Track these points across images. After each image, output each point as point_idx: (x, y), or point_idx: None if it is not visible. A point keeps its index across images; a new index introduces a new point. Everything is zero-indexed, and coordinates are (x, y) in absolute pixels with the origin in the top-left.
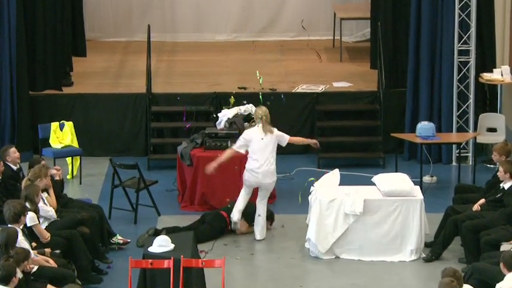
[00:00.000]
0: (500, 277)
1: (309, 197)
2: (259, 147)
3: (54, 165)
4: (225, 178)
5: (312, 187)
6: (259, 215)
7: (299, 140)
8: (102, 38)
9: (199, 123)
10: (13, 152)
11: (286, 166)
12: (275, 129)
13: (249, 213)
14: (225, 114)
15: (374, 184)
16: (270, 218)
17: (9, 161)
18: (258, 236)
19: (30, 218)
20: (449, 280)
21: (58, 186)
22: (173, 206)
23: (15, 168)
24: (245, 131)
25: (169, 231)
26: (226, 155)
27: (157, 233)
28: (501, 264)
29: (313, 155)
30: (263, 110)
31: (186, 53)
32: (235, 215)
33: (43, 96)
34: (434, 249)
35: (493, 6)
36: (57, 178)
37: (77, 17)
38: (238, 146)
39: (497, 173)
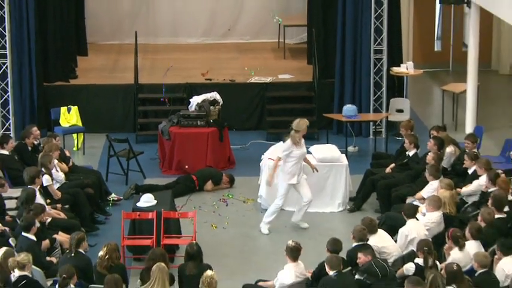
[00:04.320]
0: (405, 223)
1: (260, 164)
2: None
3: (64, 141)
4: (195, 149)
5: (262, 156)
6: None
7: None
8: (100, 42)
9: (175, 106)
10: (35, 131)
11: (243, 139)
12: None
13: (214, 176)
14: (195, 100)
15: (310, 153)
16: (230, 181)
17: (32, 137)
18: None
19: (46, 179)
20: (361, 228)
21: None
22: (156, 171)
23: (36, 142)
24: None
25: (146, 188)
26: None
27: (137, 187)
28: (402, 213)
29: (263, 131)
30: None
31: (165, 53)
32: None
33: (54, 87)
34: (356, 202)
35: (400, 17)
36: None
37: (80, 24)
38: None
39: (404, 144)
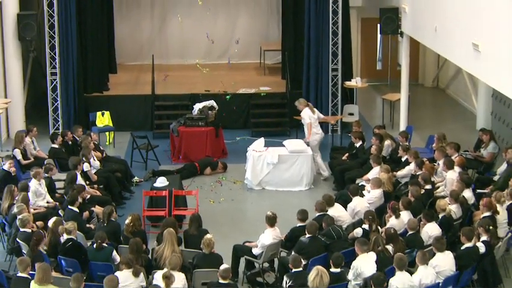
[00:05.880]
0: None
1: (247, 154)
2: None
3: (99, 137)
4: (197, 143)
5: (248, 148)
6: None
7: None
8: (126, 62)
9: (182, 111)
10: (80, 131)
11: (233, 136)
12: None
13: (212, 163)
14: (197, 106)
15: (284, 145)
16: (224, 167)
17: (77, 135)
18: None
19: (85, 166)
20: (322, 201)
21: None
22: (168, 160)
23: (78, 139)
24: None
25: (160, 173)
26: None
27: (154, 172)
28: (348, 192)
29: (249, 130)
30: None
31: (175, 71)
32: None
33: (92, 97)
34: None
35: (351, 44)
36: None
37: (111, 49)
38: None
39: (353, 138)
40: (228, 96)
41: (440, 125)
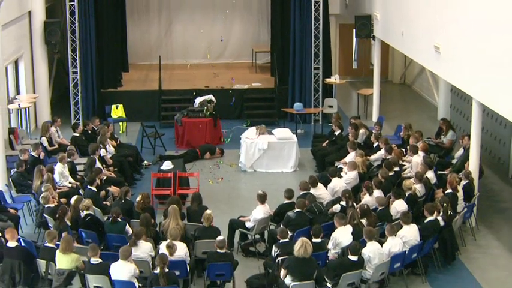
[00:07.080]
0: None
1: (240, 141)
2: None
3: (114, 127)
4: (198, 132)
5: (241, 136)
6: None
7: None
8: (137, 62)
9: (185, 104)
10: (97, 122)
11: (229, 125)
12: None
13: (211, 149)
14: (198, 100)
15: (273, 134)
16: (221, 152)
17: (94, 125)
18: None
19: (102, 152)
20: (305, 182)
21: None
22: (173, 146)
23: (96, 128)
24: None
25: (166, 157)
26: None
27: (161, 156)
28: (328, 175)
29: (242, 120)
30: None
31: (179, 69)
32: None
33: (108, 92)
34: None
35: (330, 46)
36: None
37: (124, 50)
38: None
39: (332, 127)
40: (232, 103)
41: (407, 116)
